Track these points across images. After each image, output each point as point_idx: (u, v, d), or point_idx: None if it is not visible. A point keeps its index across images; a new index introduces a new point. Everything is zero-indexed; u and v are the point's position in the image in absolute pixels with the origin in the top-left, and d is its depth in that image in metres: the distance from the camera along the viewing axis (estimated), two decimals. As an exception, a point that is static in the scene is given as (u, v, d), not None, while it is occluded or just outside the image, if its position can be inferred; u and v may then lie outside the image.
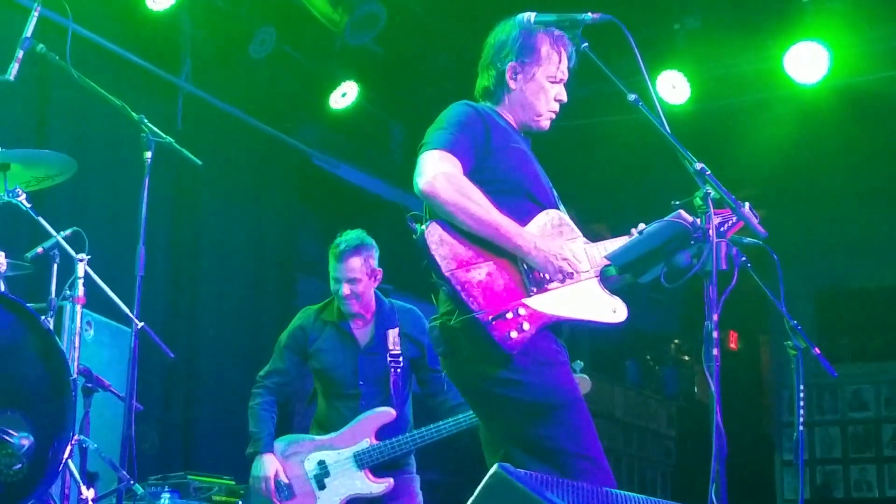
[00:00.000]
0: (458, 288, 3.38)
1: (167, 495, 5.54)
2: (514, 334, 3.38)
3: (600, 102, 7.65)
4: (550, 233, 3.61)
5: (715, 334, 3.12)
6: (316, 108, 8.68)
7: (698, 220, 3.24)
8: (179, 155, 5.23)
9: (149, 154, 4.99)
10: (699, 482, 3.08)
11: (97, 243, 5.26)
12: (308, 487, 5.25)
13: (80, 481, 4.74)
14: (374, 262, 5.41)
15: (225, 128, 8.32)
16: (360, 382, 5.35)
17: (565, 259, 3.49)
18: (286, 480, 5.23)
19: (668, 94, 8.16)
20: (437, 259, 3.41)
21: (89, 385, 5.08)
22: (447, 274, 3.39)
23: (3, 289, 4.46)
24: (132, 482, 4.72)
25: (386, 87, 8.99)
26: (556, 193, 3.80)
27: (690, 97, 8.22)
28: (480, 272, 3.42)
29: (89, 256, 5.10)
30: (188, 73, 7.97)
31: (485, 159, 3.59)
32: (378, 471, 5.27)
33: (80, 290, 5.05)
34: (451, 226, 3.44)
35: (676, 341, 14.65)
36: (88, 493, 4.72)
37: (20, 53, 5.00)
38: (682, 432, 13.86)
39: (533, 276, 3.48)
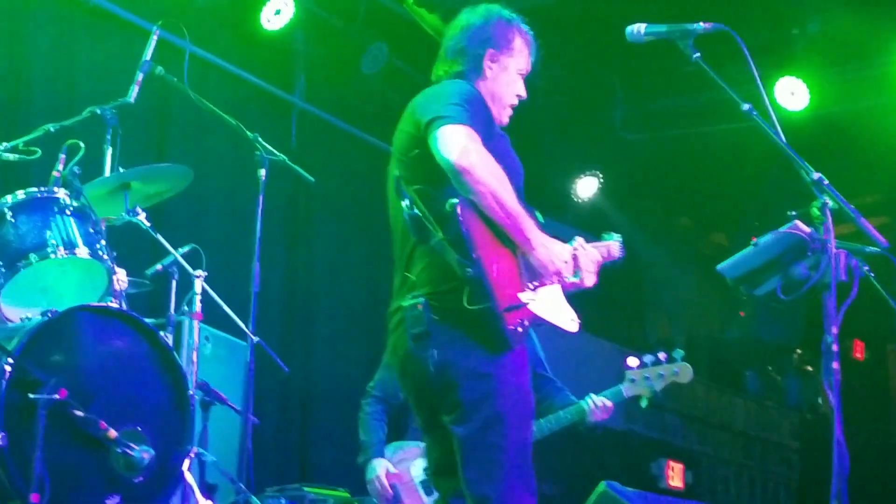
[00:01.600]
0: (485, 273, 3.29)
1: (284, 507, 5.61)
2: (518, 329, 3.33)
3: (717, 110, 7.53)
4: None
5: (834, 347, 3.03)
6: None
7: (816, 231, 3.14)
8: (293, 172, 5.31)
9: (263, 172, 5.07)
10: (824, 496, 2.98)
11: (214, 260, 5.37)
12: (416, 493, 5.25)
13: (199, 493, 4.82)
14: None
15: (338, 143, 8.41)
16: None
17: (565, 262, 3.46)
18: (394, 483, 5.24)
19: (787, 100, 7.97)
20: (471, 239, 3.30)
21: (207, 399, 5.19)
22: (475, 256, 3.28)
23: (124, 306, 4.55)
24: (249, 494, 4.78)
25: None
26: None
27: (809, 104, 8.03)
28: (496, 260, 3.35)
29: (206, 273, 5.21)
30: (302, 90, 8.09)
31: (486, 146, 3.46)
32: None
33: (198, 306, 5.16)
34: (475, 207, 3.35)
35: (799, 351, 14.30)
36: (207, 505, 4.81)
37: (140, 76, 5.12)
38: (806, 444, 13.52)
39: (530, 273, 3.43)
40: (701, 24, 3.42)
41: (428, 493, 5.23)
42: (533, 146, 9.86)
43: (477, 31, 3.74)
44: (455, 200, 3.31)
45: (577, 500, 4.79)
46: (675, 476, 11.18)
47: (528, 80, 3.81)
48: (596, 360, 11.06)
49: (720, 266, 3.48)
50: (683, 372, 5.07)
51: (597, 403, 5.08)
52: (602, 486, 2.82)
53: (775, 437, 13.43)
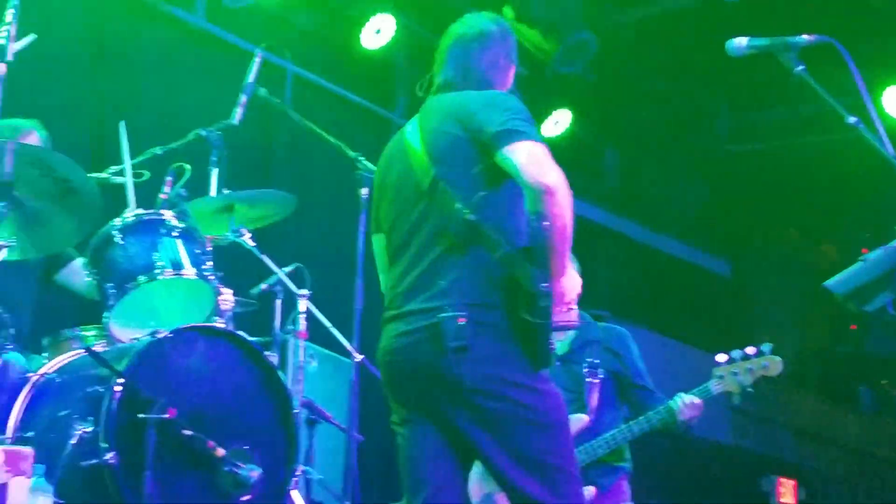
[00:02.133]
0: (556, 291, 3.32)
1: (389, 525, 5.61)
2: (556, 345, 3.35)
3: (824, 121, 7.38)
4: None
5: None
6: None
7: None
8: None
9: (365, 190, 5.10)
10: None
11: (318, 279, 5.42)
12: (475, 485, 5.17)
13: (306, 511, 4.87)
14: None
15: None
16: None
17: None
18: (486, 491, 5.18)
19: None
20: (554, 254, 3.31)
21: (313, 417, 5.23)
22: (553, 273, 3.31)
23: (230, 326, 4.62)
24: (355, 512, 4.80)
25: (598, 113, 8.94)
26: None
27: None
28: None
29: (311, 292, 5.26)
30: (402, 108, 8.14)
31: None
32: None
33: (303, 325, 5.21)
34: None
35: (916, 364, 13.93)
36: (313, 523, 4.85)
37: (244, 98, 5.21)
38: (923, 461, 13.15)
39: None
40: (804, 36, 3.35)
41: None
42: (640, 158, 9.80)
43: (493, 40, 3.76)
44: (546, 223, 3.28)
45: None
46: (787, 493, 10.93)
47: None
48: (704, 375, 10.91)
49: (828, 282, 3.39)
50: (773, 365, 4.97)
51: (685, 402, 5.02)
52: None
53: (890, 454, 13.07)
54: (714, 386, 5.03)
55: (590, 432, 5.19)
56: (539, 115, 8.52)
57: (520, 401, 3.34)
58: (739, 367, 4.99)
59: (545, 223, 3.26)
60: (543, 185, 3.25)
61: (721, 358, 5.03)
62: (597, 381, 5.22)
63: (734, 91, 8.85)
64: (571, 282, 3.44)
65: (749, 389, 4.99)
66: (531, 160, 3.29)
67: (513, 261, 3.32)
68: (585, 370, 5.27)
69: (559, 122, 8.55)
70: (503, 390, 3.33)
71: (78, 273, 5.18)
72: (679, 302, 11.11)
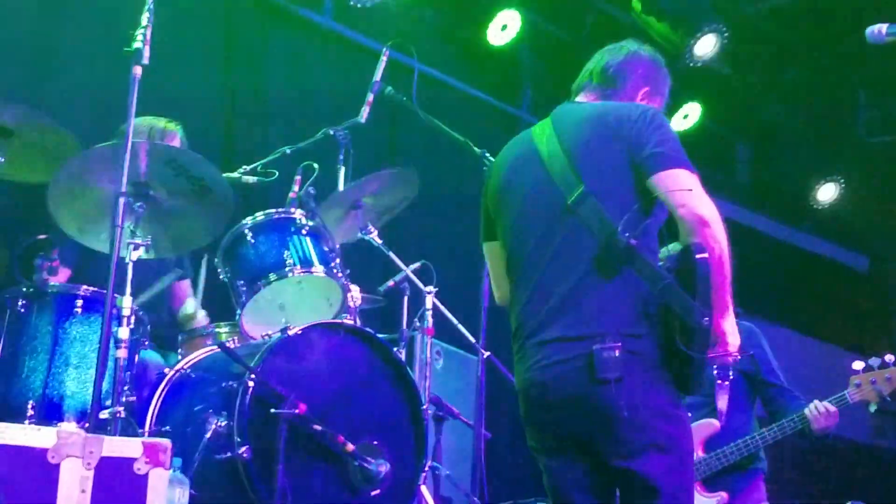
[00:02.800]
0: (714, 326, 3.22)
1: (518, 522, 5.60)
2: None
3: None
4: None
5: None
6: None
7: None
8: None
9: (490, 186, 5.07)
10: None
11: (444, 276, 5.43)
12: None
13: (434, 507, 4.89)
14: None
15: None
16: None
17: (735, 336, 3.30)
18: None
19: None
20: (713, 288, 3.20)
21: (440, 413, 5.24)
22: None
23: (358, 322, 4.66)
24: (484, 508, 4.80)
25: (729, 106, 8.76)
26: None
27: None
28: None
29: (437, 289, 5.27)
30: (529, 104, 8.10)
31: None
32: (712, 482, 5.09)
33: (430, 321, 5.23)
34: None
35: None
36: (442, 519, 4.86)
37: (370, 97, 5.24)
38: None
39: None
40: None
41: (711, 490, 5.08)
42: (773, 152, 9.58)
43: (644, 66, 3.68)
44: (703, 255, 3.19)
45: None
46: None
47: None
48: (841, 372, 10.62)
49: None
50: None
51: (819, 409, 4.90)
52: (847, 505, 2.68)
53: None
54: (850, 394, 4.93)
55: (721, 436, 5.09)
56: (668, 108, 8.40)
57: (663, 430, 3.25)
58: (878, 375, 4.89)
59: (702, 255, 3.18)
60: (699, 216, 3.19)
61: (858, 365, 4.91)
62: (726, 383, 5.12)
63: (872, 80, 8.58)
64: (733, 328, 3.33)
65: (887, 399, 4.85)
66: (687, 190, 3.22)
67: (673, 292, 3.20)
68: (715, 372, 5.17)
69: (689, 115, 8.41)
70: (652, 421, 3.24)
71: (178, 295, 5.33)
72: (815, 298, 10.83)
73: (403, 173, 5.21)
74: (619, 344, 3.20)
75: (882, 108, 8.94)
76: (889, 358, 4.87)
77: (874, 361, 4.85)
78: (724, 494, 5.10)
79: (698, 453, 5.11)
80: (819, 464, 8.85)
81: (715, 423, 5.10)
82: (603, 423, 3.25)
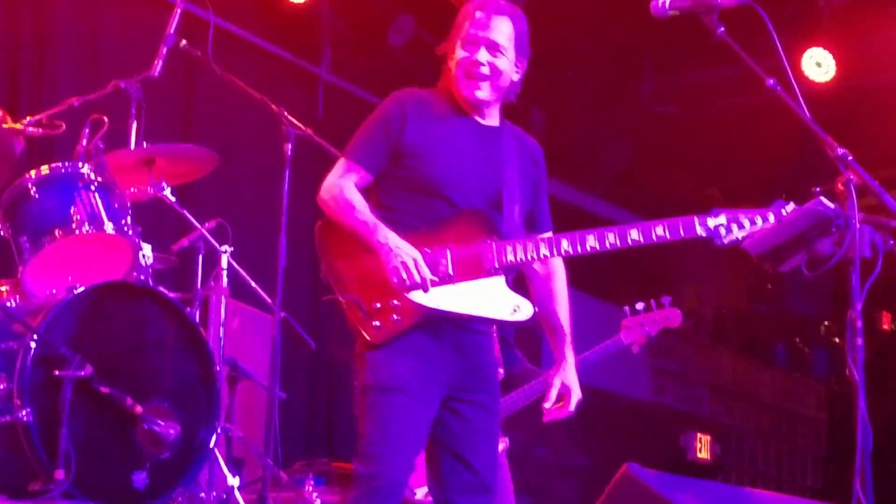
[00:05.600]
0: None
1: (312, 482, 5.61)
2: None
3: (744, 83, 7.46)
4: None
5: (858, 323, 2.99)
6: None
7: (840, 207, 3.10)
8: (319, 145, 5.27)
9: (289, 146, 5.02)
10: (852, 468, 2.96)
11: (241, 235, 5.37)
12: None
13: (226, 468, 4.85)
14: None
15: (365, 116, 8.36)
16: None
17: (403, 263, 3.46)
18: None
19: (813, 71, 7.87)
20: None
21: (234, 374, 5.19)
22: None
23: (150, 282, 4.57)
24: (277, 469, 4.79)
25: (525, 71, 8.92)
26: (503, 186, 3.65)
27: (836, 75, 7.93)
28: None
29: (233, 248, 5.21)
30: (328, 62, 8.05)
31: (399, 157, 3.61)
32: None
33: (225, 281, 5.16)
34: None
35: (827, 323, 14.23)
36: (234, 481, 4.82)
37: (163, 50, 5.10)
38: (834, 416, 13.47)
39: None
40: (724, -4, 3.36)
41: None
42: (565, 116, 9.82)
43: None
44: None
45: (605, 471, 4.78)
46: (703, 448, 11.17)
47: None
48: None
49: (744, 243, 3.45)
50: (673, 317, 5.14)
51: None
52: (625, 468, 2.80)
53: (803, 410, 13.38)
54: (623, 338, 5.15)
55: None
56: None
57: None
58: (646, 318, 5.14)
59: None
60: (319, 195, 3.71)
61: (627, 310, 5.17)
62: None
63: (657, 52, 8.90)
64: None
65: (651, 337, 5.12)
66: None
67: None
68: None
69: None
70: None
71: None
72: (604, 261, 11.18)
73: (202, 151, 5.14)
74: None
75: (665, 80, 9.29)
76: (665, 300, 5.13)
77: (640, 306, 5.15)
78: (506, 439, 5.23)
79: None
80: (603, 420, 9.17)
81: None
82: None
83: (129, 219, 4.59)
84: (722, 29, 3.36)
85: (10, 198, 4.48)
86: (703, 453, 11.19)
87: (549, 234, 3.73)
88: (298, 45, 7.87)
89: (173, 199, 5.00)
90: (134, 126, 5.00)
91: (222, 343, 5.06)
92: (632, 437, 10.00)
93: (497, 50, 3.64)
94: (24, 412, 3.88)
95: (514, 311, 3.55)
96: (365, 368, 3.52)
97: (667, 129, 9.60)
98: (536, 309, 3.58)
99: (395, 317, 3.48)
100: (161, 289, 4.47)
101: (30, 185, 4.47)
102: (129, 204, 4.68)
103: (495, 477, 3.64)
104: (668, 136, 9.83)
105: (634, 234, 3.56)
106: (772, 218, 3.51)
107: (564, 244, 3.57)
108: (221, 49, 5.17)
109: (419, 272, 3.45)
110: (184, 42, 5.11)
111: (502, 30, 3.65)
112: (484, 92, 3.65)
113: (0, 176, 4.20)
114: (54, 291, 4.30)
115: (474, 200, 3.59)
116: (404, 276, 3.44)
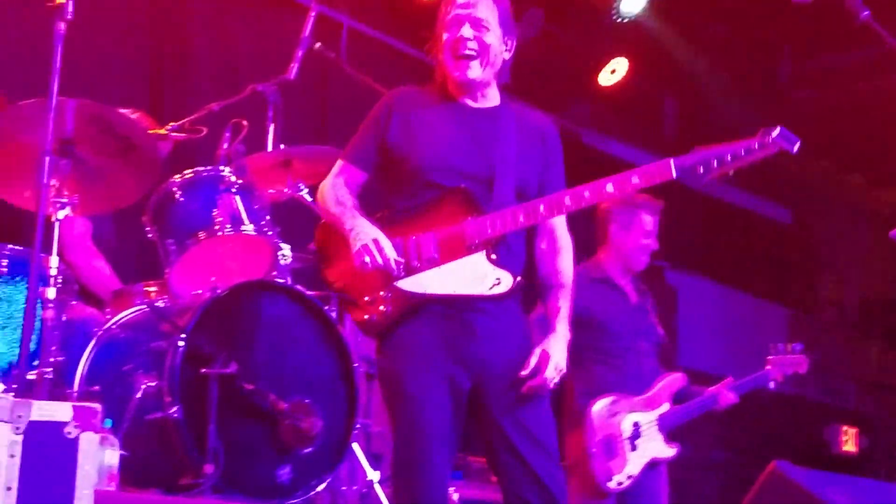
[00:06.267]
0: None
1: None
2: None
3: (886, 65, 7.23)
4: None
5: None
6: (585, 86, 8.62)
7: None
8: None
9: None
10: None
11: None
12: (623, 449, 5.13)
13: (367, 463, 4.92)
14: None
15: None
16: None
17: (364, 245, 3.43)
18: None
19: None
20: None
21: (371, 371, 5.26)
22: None
23: (289, 281, 4.65)
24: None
25: (656, 62, 8.82)
26: (493, 163, 3.56)
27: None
28: None
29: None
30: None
31: (388, 152, 3.60)
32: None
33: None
34: None
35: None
36: (374, 475, 4.89)
37: (299, 53, 5.19)
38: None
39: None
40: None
41: (633, 449, 5.12)
42: (699, 106, 9.67)
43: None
44: None
45: (747, 466, 4.69)
46: (849, 441, 10.86)
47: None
48: (764, 325, 10.81)
49: (893, 232, 3.35)
50: (802, 363, 5.51)
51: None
52: (773, 465, 2.73)
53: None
54: (770, 373, 5.53)
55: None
56: (596, 63, 8.44)
57: None
58: (784, 360, 5.52)
59: None
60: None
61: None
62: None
63: (795, 36, 8.69)
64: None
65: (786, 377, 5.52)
66: None
67: None
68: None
69: (616, 70, 8.45)
70: None
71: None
72: (740, 251, 10.98)
73: (337, 152, 5.20)
74: None
75: (804, 63, 9.07)
76: (797, 347, 5.54)
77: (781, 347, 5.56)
78: (678, 445, 5.21)
79: (666, 405, 5.20)
80: (744, 413, 9.00)
81: (685, 377, 5.26)
82: None
83: (268, 219, 4.67)
84: (867, 12, 3.27)
85: (156, 201, 4.61)
86: (850, 446, 10.89)
87: None
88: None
89: (310, 199, 5.08)
90: (271, 129, 5.11)
91: (358, 340, 5.12)
92: (774, 431, 9.79)
93: (481, 25, 3.58)
94: (174, 409, 3.99)
95: (494, 285, 3.46)
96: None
97: (806, 114, 9.36)
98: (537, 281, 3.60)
99: (382, 307, 3.47)
100: (300, 287, 4.54)
101: (175, 189, 4.59)
102: (268, 205, 4.77)
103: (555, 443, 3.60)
104: (808, 122, 9.59)
105: (609, 188, 3.44)
106: (757, 146, 3.34)
107: (541, 208, 3.46)
108: (356, 50, 5.23)
109: (381, 253, 3.42)
110: (318, 44, 5.19)
111: (484, 5, 3.60)
112: (474, 71, 3.58)
113: (147, 180, 4.32)
114: (199, 292, 4.41)
115: (460, 181, 3.53)
116: (367, 259, 3.42)
